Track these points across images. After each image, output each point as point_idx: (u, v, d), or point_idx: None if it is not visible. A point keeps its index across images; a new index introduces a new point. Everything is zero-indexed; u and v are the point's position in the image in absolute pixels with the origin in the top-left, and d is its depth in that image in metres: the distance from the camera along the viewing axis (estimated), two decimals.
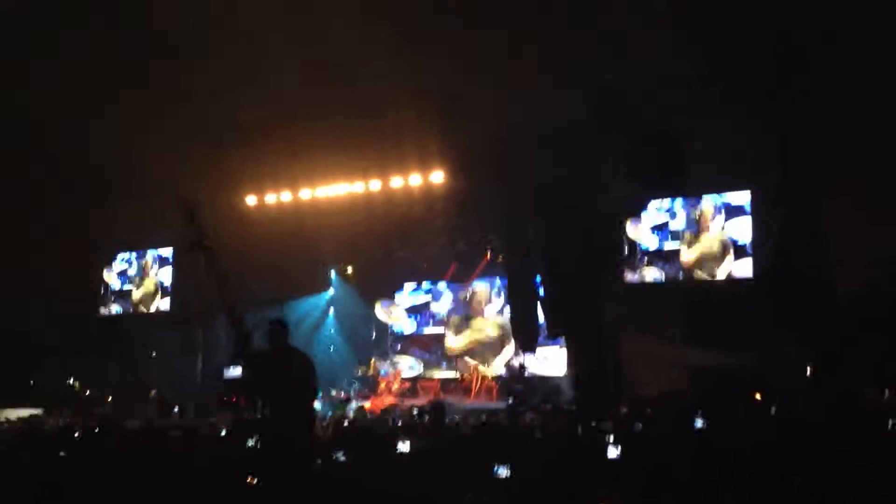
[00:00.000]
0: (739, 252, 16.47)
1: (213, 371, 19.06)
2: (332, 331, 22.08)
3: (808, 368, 14.57)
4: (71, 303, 21.03)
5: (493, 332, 20.12)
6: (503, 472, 5.55)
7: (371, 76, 15.70)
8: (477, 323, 20.46)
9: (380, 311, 21.58)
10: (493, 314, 20.24)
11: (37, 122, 16.95)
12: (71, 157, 18.70)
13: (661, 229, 17.20)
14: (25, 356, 18.57)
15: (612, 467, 6.64)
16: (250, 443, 7.49)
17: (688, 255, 16.84)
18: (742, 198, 16.58)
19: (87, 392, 18.03)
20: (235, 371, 17.69)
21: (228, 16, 15.22)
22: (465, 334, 20.51)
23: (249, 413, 13.89)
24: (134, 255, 22.45)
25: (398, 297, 21.72)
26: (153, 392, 18.33)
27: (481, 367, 19.33)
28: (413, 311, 21.56)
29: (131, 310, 22.10)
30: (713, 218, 16.80)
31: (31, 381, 18.54)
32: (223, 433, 9.82)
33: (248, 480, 6.12)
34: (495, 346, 19.91)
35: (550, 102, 15.73)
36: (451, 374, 20.06)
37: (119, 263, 22.57)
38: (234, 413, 14.85)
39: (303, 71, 15.86)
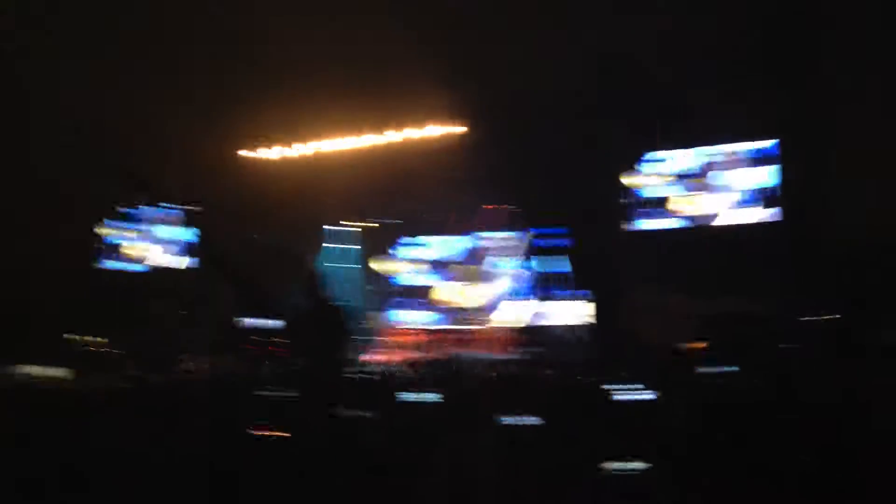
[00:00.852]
0: (746, 202, 16.36)
1: (225, 321, 19.07)
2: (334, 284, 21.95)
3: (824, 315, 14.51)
4: (72, 259, 20.92)
5: (503, 284, 20.03)
6: (528, 420, 5.48)
7: (374, 29, 15.53)
8: (482, 276, 20.37)
9: (383, 263, 21.47)
10: (500, 264, 20.12)
11: (31, 79, 16.77)
12: (67, 115, 18.55)
13: (675, 178, 17.06)
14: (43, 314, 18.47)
15: (629, 418, 6.57)
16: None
17: (706, 203, 16.73)
18: (770, 148, 16.39)
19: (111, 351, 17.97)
20: (251, 320, 17.75)
21: None
22: (472, 287, 20.42)
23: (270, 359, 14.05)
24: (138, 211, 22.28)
25: (398, 250, 21.59)
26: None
27: (498, 318, 19.25)
28: (420, 262, 21.43)
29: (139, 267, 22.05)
30: (716, 168, 16.68)
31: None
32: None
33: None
34: (509, 299, 19.81)
35: (559, 59, 15.60)
36: (462, 326, 19.97)
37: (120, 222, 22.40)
38: (253, 359, 14.99)
39: (306, 26, 15.67)
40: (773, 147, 16.27)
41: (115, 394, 8.40)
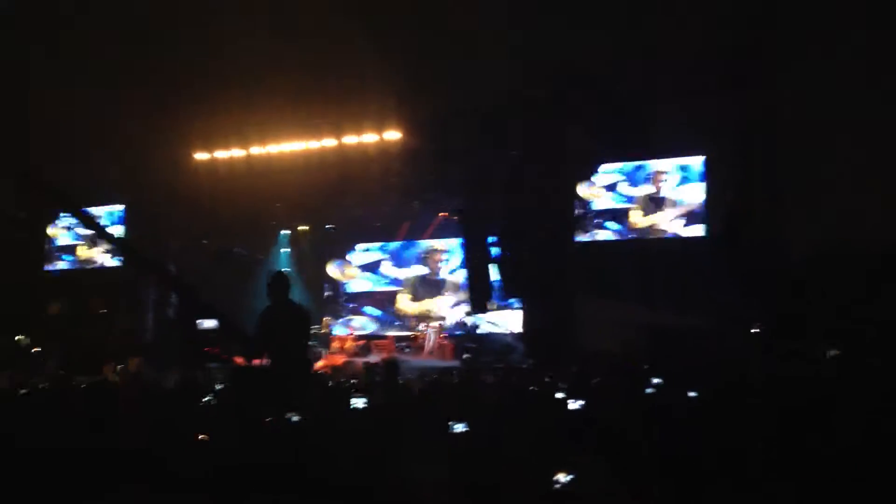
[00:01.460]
0: (692, 216, 16.70)
1: (175, 324, 18.97)
2: None
3: (757, 330, 14.90)
4: (17, 259, 20.69)
5: (448, 293, 20.21)
6: (458, 427, 5.55)
7: (328, 33, 15.55)
8: (432, 293, 20.54)
9: (333, 269, 21.51)
10: (449, 273, 20.30)
11: None
12: (15, 113, 18.29)
13: (614, 190, 17.32)
14: None
15: (567, 423, 6.69)
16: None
17: (639, 216, 17.02)
18: (696, 162, 16.77)
19: (37, 350, 17.72)
20: (209, 323, 17.66)
21: None
22: (421, 301, 20.58)
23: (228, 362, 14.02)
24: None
25: (351, 256, 21.66)
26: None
27: (434, 326, 19.39)
28: (367, 269, 21.53)
29: (78, 265, 21.83)
30: (666, 181, 16.98)
31: None
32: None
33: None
34: (448, 305, 20.01)
35: (508, 70, 15.77)
36: (405, 333, 20.10)
37: (65, 219, 22.19)
38: (214, 362, 15.00)
39: (257, 26, 15.63)
40: (705, 161, 16.64)
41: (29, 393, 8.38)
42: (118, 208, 21.61)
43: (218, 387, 8.17)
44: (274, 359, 7.28)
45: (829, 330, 12.83)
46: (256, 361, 7.84)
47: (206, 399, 7.27)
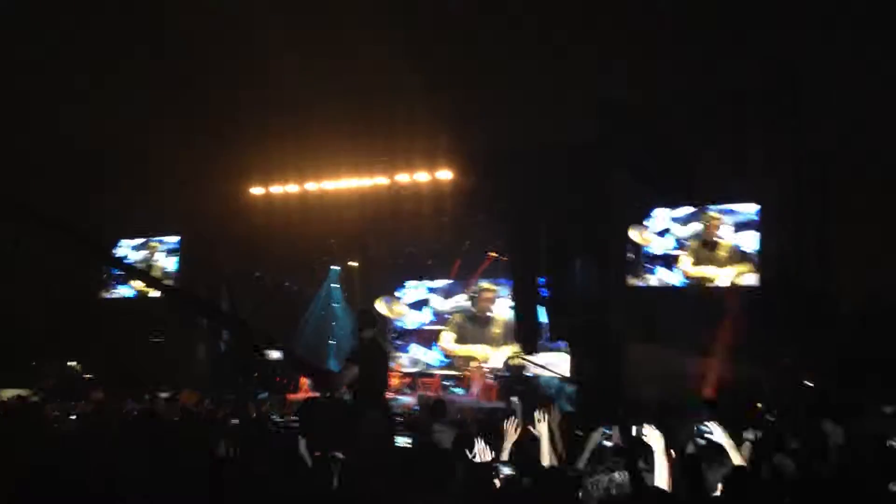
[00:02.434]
0: (746, 263, 16.49)
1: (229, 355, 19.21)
2: (334, 324, 22.13)
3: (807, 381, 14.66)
4: (72, 286, 21.14)
5: (497, 331, 20.14)
6: (506, 470, 5.55)
7: (381, 70, 15.79)
8: (478, 333, 20.49)
9: (381, 305, 21.60)
10: (499, 313, 20.26)
11: (41, 107, 17.05)
12: (75, 144, 18.81)
13: (666, 235, 17.18)
14: (26, 339, 18.63)
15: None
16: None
17: (691, 263, 16.85)
18: (750, 209, 16.58)
19: (89, 376, 18.06)
20: (276, 353, 17.92)
21: (236, 6, 15.30)
22: (468, 340, 20.56)
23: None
24: (139, 241, 22.53)
25: (400, 293, 21.74)
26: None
27: (482, 366, 19.33)
28: (415, 306, 21.57)
29: (135, 295, 22.23)
30: (720, 227, 16.81)
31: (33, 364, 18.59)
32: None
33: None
34: (498, 345, 19.93)
35: (562, 111, 15.87)
36: (452, 371, 20.05)
37: (123, 249, 22.65)
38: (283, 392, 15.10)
39: (314, 64, 15.92)
40: (759, 211, 16.42)
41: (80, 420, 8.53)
42: (174, 239, 22.04)
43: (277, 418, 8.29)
44: (359, 392, 7.49)
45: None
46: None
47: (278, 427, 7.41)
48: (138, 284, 22.24)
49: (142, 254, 22.51)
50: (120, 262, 19.68)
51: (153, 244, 22.29)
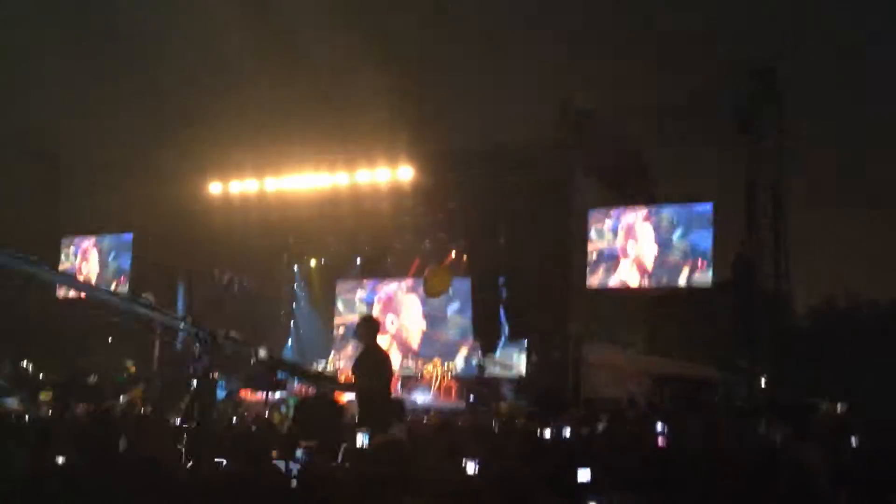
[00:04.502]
0: (699, 262, 16.65)
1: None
2: (293, 323, 22.01)
3: (760, 380, 14.90)
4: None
5: (453, 332, 20.13)
6: (469, 467, 5.56)
7: (344, 70, 15.78)
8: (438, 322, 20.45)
9: (342, 304, 21.52)
10: (454, 313, 20.23)
11: None
12: (26, 143, 18.51)
13: (623, 236, 17.27)
14: None
15: (571, 468, 6.68)
16: None
17: (649, 263, 16.98)
18: (704, 209, 16.75)
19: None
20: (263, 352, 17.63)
21: (198, 3, 15.18)
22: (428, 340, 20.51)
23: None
24: (92, 240, 22.09)
25: (360, 292, 21.65)
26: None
27: (441, 365, 19.32)
28: (376, 305, 21.47)
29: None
30: (675, 227, 16.93)
31: None
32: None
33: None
34: (456, 345, 19.91)
35: (523, 114, 16.00)
36: (412, 372, 19.99)
37: (71, 248, 22.21)
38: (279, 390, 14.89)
39: (274, 63, 15.85)
40: (711, 207, 16.53)
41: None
42: (126, 237, 21.64)
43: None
44: (365, 396, 7.56)
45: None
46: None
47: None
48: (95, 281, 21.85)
49: (95, 251, 22.09)
50: (63, 275, 19.09)
51: (105, 243, 21.86)
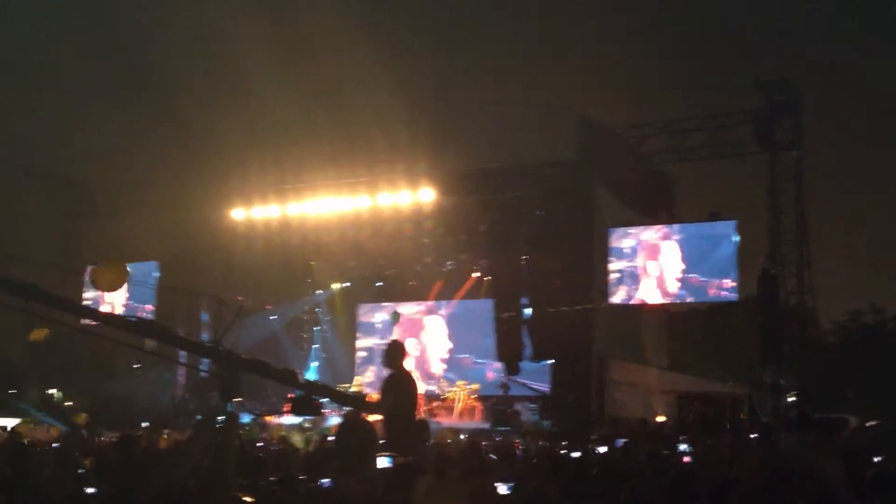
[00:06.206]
0: (723, 279, 16.52)
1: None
2: (317, 346, 22.07)
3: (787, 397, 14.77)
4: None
5: (476, 352, 20.09)
6: (502, 489, 5.57)
7: (364, 94, 15.86)
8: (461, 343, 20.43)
9: (366, 326, 21.55)
10: (477, 334, 20.19)
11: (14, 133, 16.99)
12: (51, 172, 18.69)
13: (645, 254, 17.15)
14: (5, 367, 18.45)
15: (595, 486, 6.68)
16: None
17: (671, 280, 16.85)
18: (727, 227, 16.59)
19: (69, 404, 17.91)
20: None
21: (219, 31, 15.34)
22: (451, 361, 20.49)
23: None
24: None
25: (380, 314, 21.66)
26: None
27: (465, 386, 19.25)
28: (399, 328, 21.46)
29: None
30: (697, 245, 16.81)
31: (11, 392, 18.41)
32: None
33: None
34: (479, 366, 19.85)
35: (545, 135, 15.99)
36: (436, 392, 19.93)
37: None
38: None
39: (295, 89, 15.98)
40: (734, 226, 16.34)
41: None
42: (151, 264, 21.79)
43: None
44: (391, 418, 7.64)
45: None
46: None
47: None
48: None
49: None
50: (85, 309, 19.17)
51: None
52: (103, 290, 17.12)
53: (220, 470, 4.48)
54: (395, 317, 20.21)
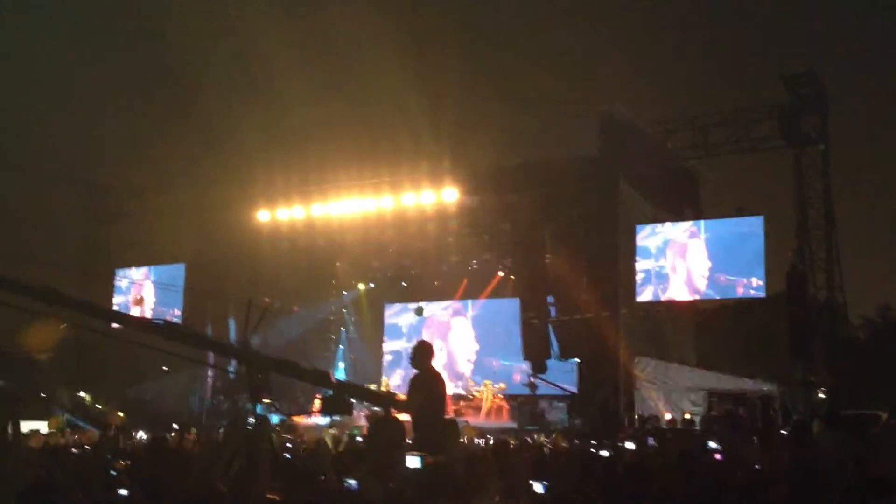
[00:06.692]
0: (751, 276, 16.37)
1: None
2: (343, 347, 22.14)
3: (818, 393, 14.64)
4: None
5: (503, 352, 20.07)
6: (537, 487, 5.57)
7: (388, 94, 15.89)
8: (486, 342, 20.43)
9: (392, 329, 21.61)
10: (504, 333, 20.17)
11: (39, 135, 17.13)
12: (77, 176, 18.82)
13: (672, 252, 17.00)
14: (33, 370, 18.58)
15: (625, 485, 6.66)
16: None
17: (698, 278, 16.70)
18: (754, 223, 16.42)
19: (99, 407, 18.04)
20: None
21: (245, 33, 15.44)
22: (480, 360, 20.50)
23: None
24: (144, 270, 22.40)
25: (407, 316, 21.70)
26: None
27: (491, 386, 19.25)
28: (426, 327, 21.51)
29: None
30: (724, 242, 16.65)
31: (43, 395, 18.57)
32: None
33: None
34: (506, 366, 19.84)
35: (569, 132, 15.94)
36: (462, 392, 19.94)
37: (125, 280, 22.49)
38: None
39: (319, 88, 16.03)
40: (761, 221, 16.14)
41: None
42: (178, 267, 21.92)
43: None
44: (420, 418, 7.65)
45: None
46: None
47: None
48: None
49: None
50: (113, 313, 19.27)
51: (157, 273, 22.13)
52: (33, 350, 17.25)
53: (253, 474, 4.51)
54: (420, 311, 20.30)
